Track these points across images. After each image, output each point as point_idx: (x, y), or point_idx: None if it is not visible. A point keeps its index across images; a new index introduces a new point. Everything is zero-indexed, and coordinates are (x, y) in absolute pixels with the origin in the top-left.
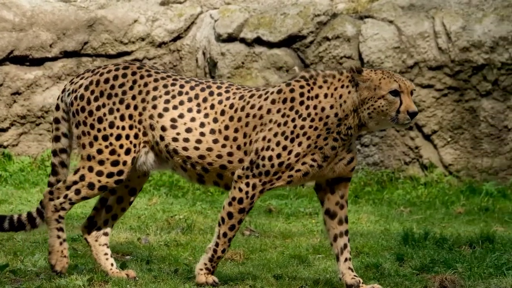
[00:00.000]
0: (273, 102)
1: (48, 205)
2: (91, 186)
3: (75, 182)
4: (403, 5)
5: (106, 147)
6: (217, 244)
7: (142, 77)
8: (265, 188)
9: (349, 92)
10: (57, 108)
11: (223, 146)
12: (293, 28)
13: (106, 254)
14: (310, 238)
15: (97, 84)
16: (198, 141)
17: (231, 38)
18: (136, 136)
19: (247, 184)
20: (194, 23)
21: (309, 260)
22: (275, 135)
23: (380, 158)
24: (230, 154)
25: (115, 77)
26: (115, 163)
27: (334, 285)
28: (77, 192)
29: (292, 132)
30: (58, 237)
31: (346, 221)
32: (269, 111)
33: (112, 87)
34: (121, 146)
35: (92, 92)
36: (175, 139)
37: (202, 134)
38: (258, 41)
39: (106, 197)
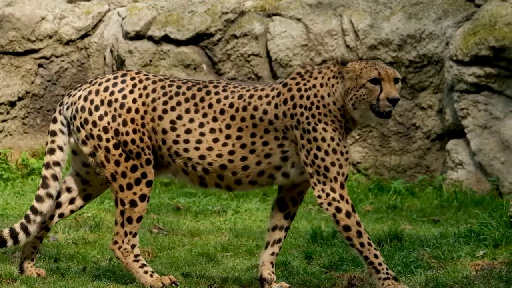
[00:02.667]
0: (276, 106)
1: (120, 254)
2: (133, 203)
3: (122, 213)
4: (311, 3)
5: (120, 155)
6: (366, 258)
7: (141, 81)
8: (341, 182)
9: (337, 83)
10: (55, 121)
11: (224, 144)
12: (200, 26)
13: (35, 248)
14: (219, 236)
15: (96, 93)
16: (198, 141)
17: (138, 36)
18: (141, 140)
19: (328, 195)
20: (101, 21)
21: (217, 258)
22: (301, 137)
23: None
24: (231, 152)
25: (114, 84)
26: (134, 169)
27: (242, 283)
28: (129, 220)
29: (309, 124)
30: (146, 272)
31: (292, 218)
32: (276, 116)
33: (112, 93)
34: (130, 152)
35: (92, 101)
36: (175, 142)
37: (201, 134)
38: (166, 39)
39: (61, 192)
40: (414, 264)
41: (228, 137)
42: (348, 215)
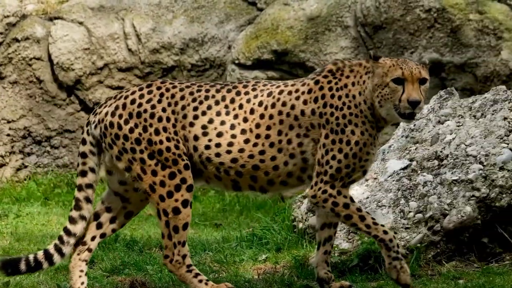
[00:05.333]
0: (305, 103)
1: (173, 267)
2: (176, 211)
3: (167, 224)
4: (93, 6)
5: (156, 164)
6: (376, 236)
7: (168, 89)
8: (344, 182)
9: (368, 78)
10: (84, 142)
11: (255, 144)
12: None
13: (82, 271)
14: (0, 240)
15: (123, 107)
16: (230, 144)
17: None
18: (177, 147)
19: (324, 192)
20: None
21: None
22: (326, 136)
23: (70, 160)
24: (262, 152)
25: (141, 96)
26: (172, 176)
27: (24, 287)
28: (176, 229)
29: (338, 125)
30: (200, 281)
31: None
32: (303, 113)
33: (140, 105)
34: (166, 160)
35: (120, 116)
36: (207, 147)
37: (233, 136)
38: None
39: (100, 213)
40: (197, 268)
41: (258, 136)
42: (346, 206)
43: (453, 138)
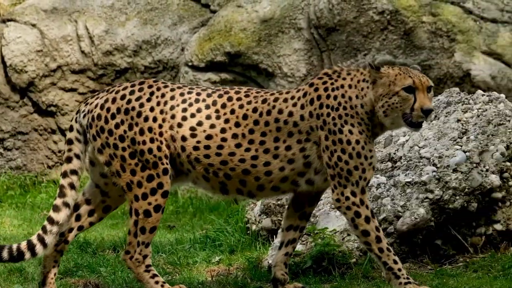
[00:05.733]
0: (302, 107)
1: (132, 264)
2: (147, 214)
3: (135, 223)
4: (46, 8)
5: (136, 164)
6: (385, 264)
7: (159, 88)
8: (363, 186)
9: (367, 87)
10: (71, 129)
11: (247, 150)
12: None
13: (56, 261)
14: None
15: (113, 101)
16: (220, 147)
17: None
18: (159, 149)
19: (347, 198)
20: None
21: None
22: (326, 138)
23: (23, 162)
24: (254, 157)
25: (132, 92)
26: (150, 178)
27: None
28: (143, 230)
29: (335, 125)
30: (157, 282)
31: (307, 218)
32: (302, 117)
33: (129, 101)
34: (147, 161)
35: (108, 109)
36: (196, 148)
37: (223, 139)
38: None
39: (80, 204)
40: None
41: (251, 142)
42: (367, 220)
43: (407, 140)
